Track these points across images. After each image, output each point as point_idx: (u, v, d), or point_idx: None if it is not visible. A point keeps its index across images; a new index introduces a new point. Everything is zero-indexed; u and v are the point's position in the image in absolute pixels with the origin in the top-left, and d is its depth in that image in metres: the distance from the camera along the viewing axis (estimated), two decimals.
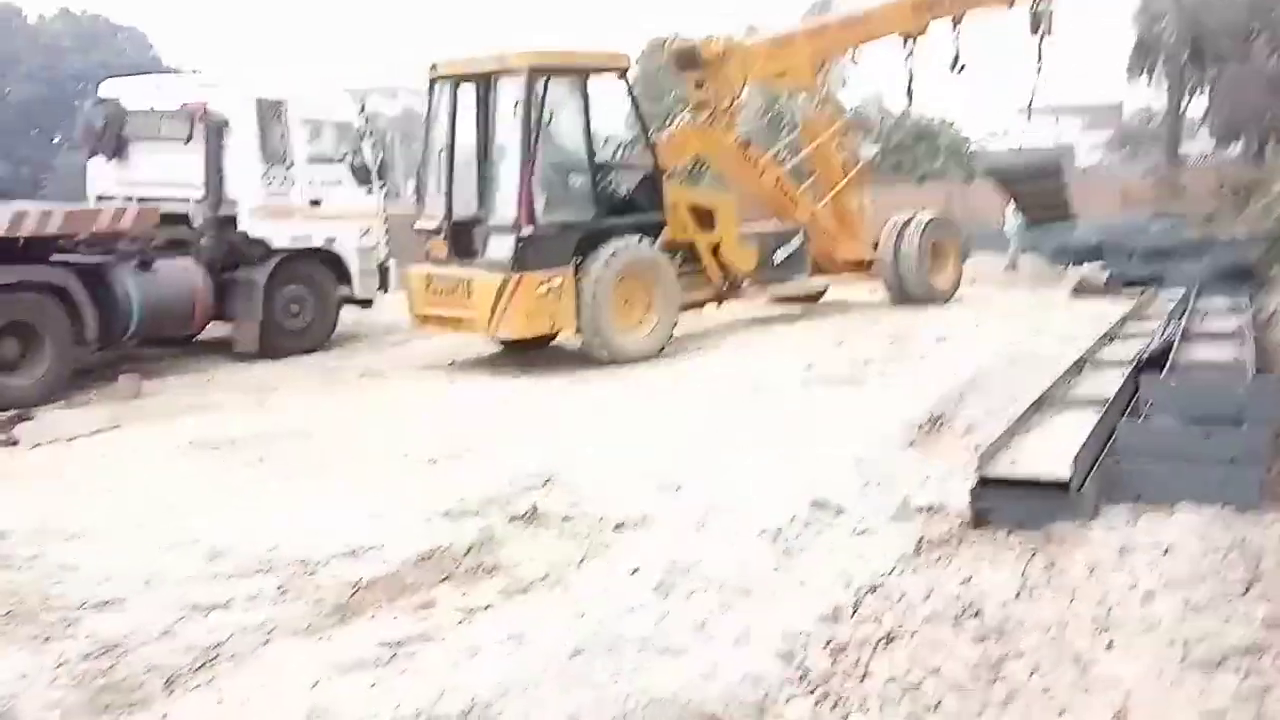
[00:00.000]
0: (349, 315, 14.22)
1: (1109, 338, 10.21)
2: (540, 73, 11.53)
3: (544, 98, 11.55)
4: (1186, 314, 10.78)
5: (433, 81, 12.47)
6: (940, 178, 36.23)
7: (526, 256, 11.34)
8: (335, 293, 13.44)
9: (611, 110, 14.12)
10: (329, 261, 13.37)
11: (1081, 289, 16.65)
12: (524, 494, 6.94)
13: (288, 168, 12.80)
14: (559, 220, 11.74)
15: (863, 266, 15.88)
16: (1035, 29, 16.71)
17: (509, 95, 11.73)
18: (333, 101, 14.17)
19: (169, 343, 12.74)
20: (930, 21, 15.60)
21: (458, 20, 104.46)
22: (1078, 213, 18.67)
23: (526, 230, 11.30)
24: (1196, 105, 44.48)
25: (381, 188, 14.22)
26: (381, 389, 11.13)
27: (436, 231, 12.27)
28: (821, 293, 16.02)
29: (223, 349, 12.84)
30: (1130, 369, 7.96)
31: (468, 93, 12.39)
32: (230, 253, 12.43)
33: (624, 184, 12.75)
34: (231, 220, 12.49)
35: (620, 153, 13.49)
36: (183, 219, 12.62)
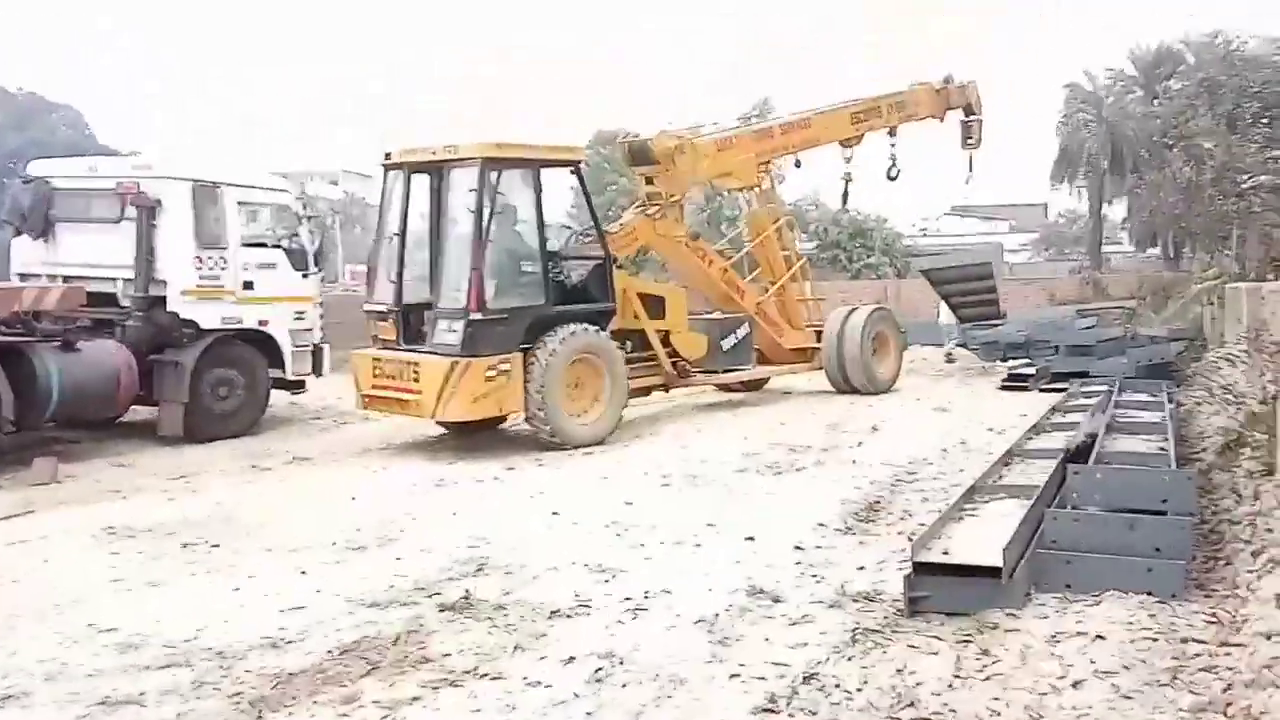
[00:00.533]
0: (280, 399, 14.03)
1: (1036, 429, 10.39)
2: (494, 164, 11.73)
3: (496, 187, 11.73)
4: (1110, 407, 11.01)
5: (386, 169, 12.67)
6: (875, 272, 37.04)
7: (475, 341, 11.44)
8: (266, 376, 13.27)
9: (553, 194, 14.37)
10: (261, 344, 13.21)
11: (1010, 382, 17.03)
12: (456, 581, 6.83)
13: (221, 250, 12.69)
14: (509, 306, 11.86)
15: (806, 356, 16.35)
16: (965, 142, 17.74)
17: (462, 184, 11.86)
18: (270, 185, 14.14)
19: (91, 425, 12.47)
20: (867, 132, 16.52)
21: (403, 108, 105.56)
22: (1006, 311, 19.32)
23: (475, 315, 11.40)
24: (1117, 209, 46.19)
25: (318, 272, 14.14)
26: (310, 474, 10.94)
27: (386, 315, 12.35)
28: (765, 380, 16.39)
29: (147, 432, 12.61)
30: (1058, 460, 8.08)
31: (420, 181, 12.58)
32: (158, 334, 12.25)
33: (575, 272, 13.01)
34: (161, 301, 12.32)
35: (571, 242, 13.72)
36: (110, 299, 12.48)
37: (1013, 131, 18.31)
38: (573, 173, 13.37)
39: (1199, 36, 39.37)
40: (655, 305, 13.79)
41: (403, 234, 12.42)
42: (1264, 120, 24.65)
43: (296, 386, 13.88)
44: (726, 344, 14.86)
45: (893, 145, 17.22)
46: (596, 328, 12.48)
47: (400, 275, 12.33)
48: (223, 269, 12.68)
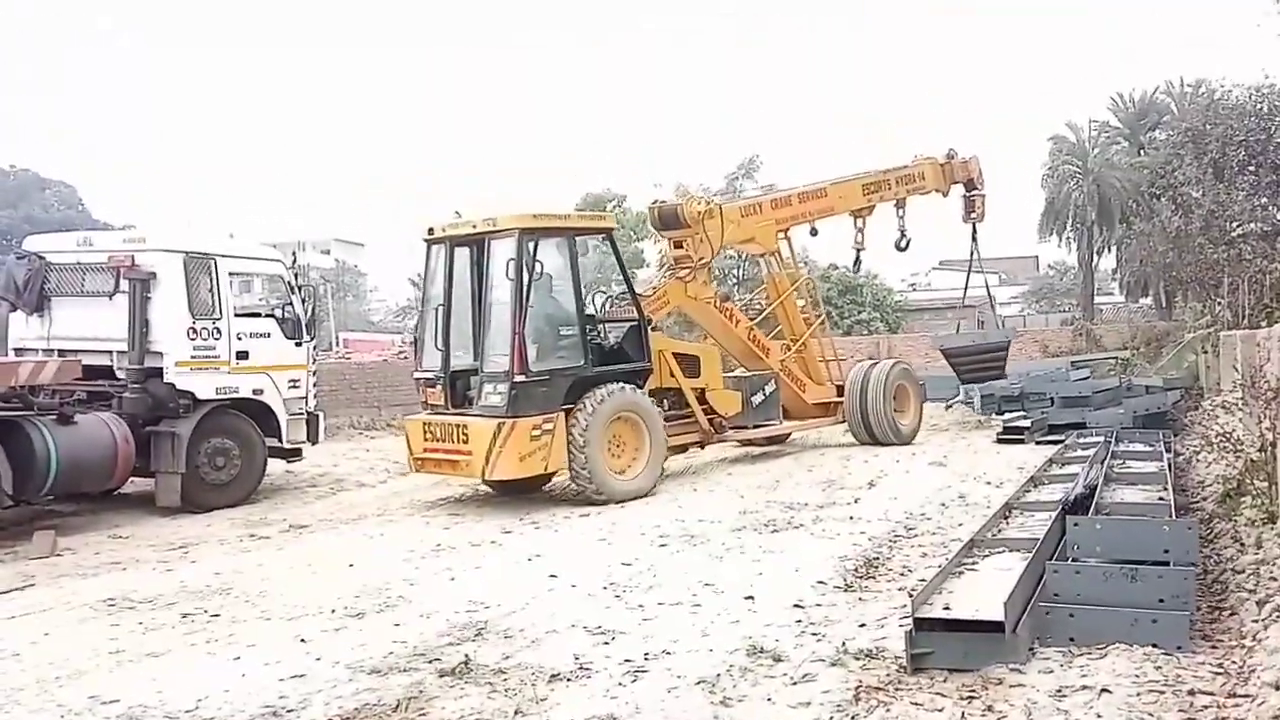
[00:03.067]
0: (277, 467, 14.00)
1: (1034, 482, 10.37)
2: (531, 234, 12.29)
3: (534, 256, 12.27)
4: (1108, 458, 11.01)
5: (429, 244, 13.17)
6: (866, 328, 37.21)
7: (520, 402, 11.93)
8: (262, 445, 13.25)
9: None
10: (256, 413, 13.21)
11: (1006, 435, 17.04)
12: (455, 647, 6.77)
13: (215, 321, 12.73)
14: (550, 368, 12.36)
15: (829, 410, 16.88)
16: (968, 215, 18.23)
17: (501, 254, 12.40)
18: (263, 255, 14.24)
19: (89, 497, 12.43)
20: (878, 203, 17.40)
21: (395, 180, 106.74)
22: (1006, 372, 19.44)
23: (519, 377, 11.90)
24: (1107, 260, 46.51)
25: (311, 340, 14.18)
26: (308, 542, 10.88)
27: (434, 381, 12.82)
28: (787, 435, 16.90)
29: (145, 503, 12.57)
30: (1057, 512, 8.06)
31: (461, 253, 13.07)
32: (154, 405, 12.26)
33: (611, 334, 13.67)
34: (156, 372, 12.33)
35: (607, 305, 14.27)
36: (106, 372, 12.51)
37: (1000, 184, 18.59)
38: (605, 240, 14.14)
39: (1182, 87, 39.96)
40: (690, 364, 14.37)
41: (447, 304, 12.90)
42: (1250, 168, 24.86)
43: (292, 455, 13.87)
44: (756, 400, 15.43)
45: (901, 217, 17.92)
46: (634, 386, 13.03)
47: (447, 343, 12.77)
48: (217, 339, 12.73)
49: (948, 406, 20.90)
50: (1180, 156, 28.19)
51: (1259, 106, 24.86)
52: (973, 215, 18.61)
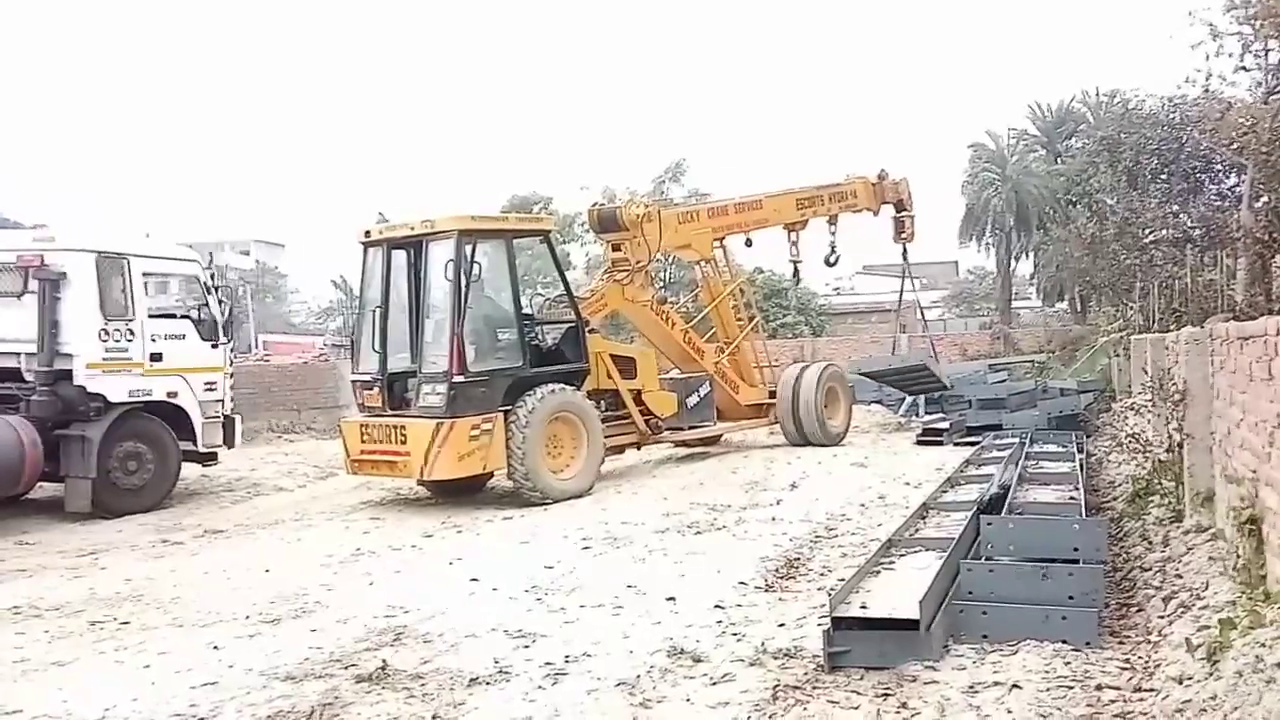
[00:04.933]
0: (192, 471, 13.71)
1: (951, 483, 10.53)
2: (469, 236, 12.37)
3: (472, 258, 12.35)
4: (1022, 459, 11.23)
5: (366, 246, 13.12)
6: (792, 331, 37.51)
7: (458, 402, 11.96)
8: (176, 448, 12.97)
9: None
10: (170, 416, 12.91)
11: (925, 437, 17.33)
12: (373, 652, 6.67)
13: (128, 321, 12.42)
14: (489, 368, 12.41)
15: (762, 412, 17.11)
16: (898, 236, 18.65)
17: (439, 256, 12.43)
18: (178, 255, 13.94)
19: None
20: (810, 218, 17.76)
21: (315, 180, 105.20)
22: (951, 384, 19.74)
23: (458, 378, 11.92)
24: (1024, 265, 47.48)
25: (228, 342, 13.91)
26: (222, 547, 10.65)
27: (371, 384, 12.75)
28: (720, 436, 17.06)
29: (54, 508, 12.25)
30: (972, 512, 8.20)
31: (398, 256, 13.06)
32: (64, 408, 11.93)
33: (549, 335, 13.71)
34: (66, 375, 12.00)
35: (544, 307, 14.49)
36: (14, 374, 12.14)
37: (922, 191, 18.96)
38: (542, 241, 14.35)
39: (1097, 96, 40.94)
40: (627, 366, 14.47)
41: (384, 306, 12.85)
42: (1162, 176, 25.58)
43: (208, 458, 13.60)
44: (691, 402, 15.62)
45: (832, 233, 18.24)
46: (572, 387, 13.07)
47: (384, 345, 12.72)
48: (130, 341, 12.43)
49: (902, 418, 21.18)
50: (1096, 165, 28.90)
51: (1171, 116, 25.57)
52: (903, 236, 19.11)
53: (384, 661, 6.41)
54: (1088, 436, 14.56)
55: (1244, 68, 19.63)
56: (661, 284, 35.24)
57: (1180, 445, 8.30)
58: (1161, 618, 6.13)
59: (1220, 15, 19.37)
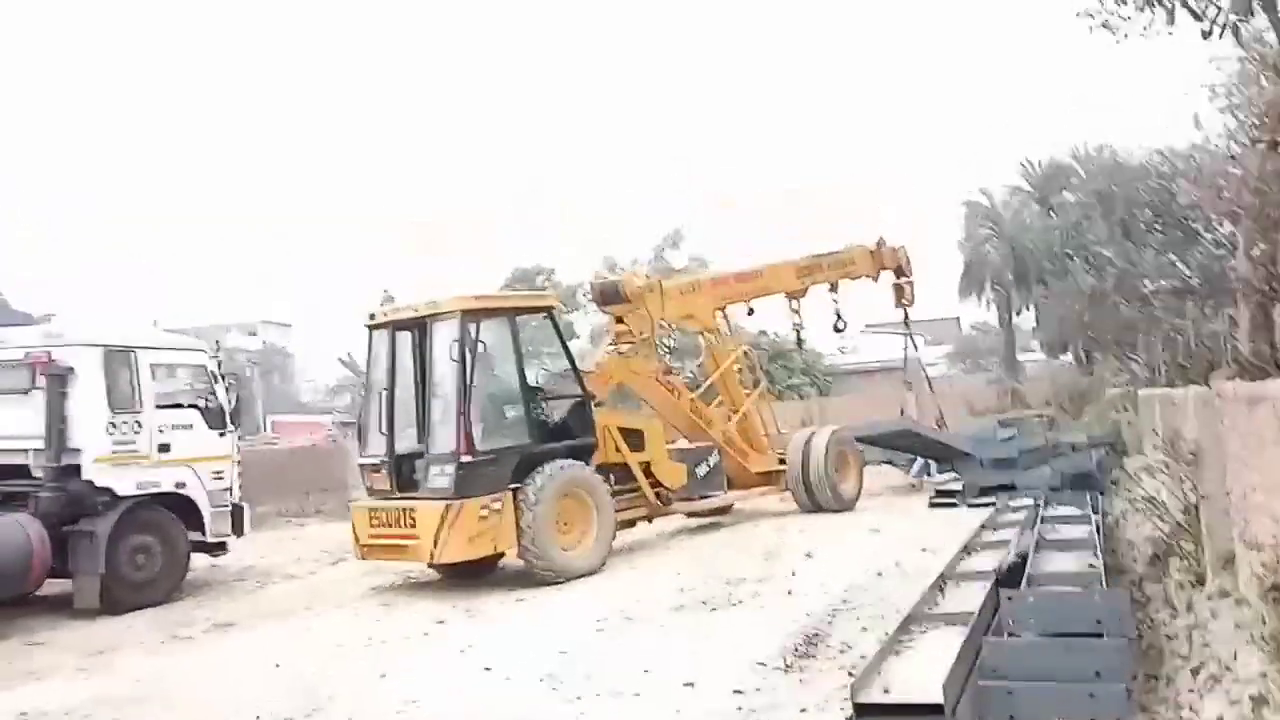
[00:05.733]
0: (201, 561, 13.61)
1: (968, 549, 10.40)
2: (473, 315, 12.41)
3: (477, 337, 12.35)
4: (1038, 523, 11.11)
5: (371, 329, 13.20)
6: (798, 392, 37.45)
7: (467, 482, 11.88)
8: (185, 540, 12.88)
9: None
10: (179, 507, 12.85)
11: (938, 499, 17.19)
12: None
13: (136, 414, 12.42)
14: (496, 447, 12.33)
15: (772, 479, 17.00)
16: (898, 301, 18.81)
17: (444, 336, 12.43)
18: (185, 345, 13.98)
19: (2, 602, 11.88)
20: (811, 285, 17.92)
21: (321, 259, 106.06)
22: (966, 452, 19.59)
23: (465, 457, 11.85)
24: (1026, 318, 47.51)
25: (235, 430, 13.90)
26: (232, 641, 10.55)
27: (379, 466, 12.66)
28: (730, 506, 16.89)
29: (62, 606, 12.11)
30: (990, 583, 8.08)
31: (403, 337, 13.13)
32: (71, 504, 11.88)
33: (556, 411, 13.59)
34: (74, 470, 11.96)
35: (550, 382, 14.56)
36: (22, 470, 12.11)
37: (919, 249, 19.17)
38: (546, 318, 14.25)
39: (1087, 151, 41.18)
40: (635, 438, 14.37)
41: (391, 388, 12.85)
42: (1157, 227, 25.70)
43: (217, 548, 13.49)
44: (700, 471, 15.50)
45: (835, 300, 18.45)
46: (581, 463, 12.99)
47: (391, 427, 12.67)
48: (137, 433, 12.42)
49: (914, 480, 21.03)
50: (1089, 218, 29.04)
51: (1160, 167, 25.75)
52: (903, 301, 19.32)
53: None
54: (1102, 494, 14.40)
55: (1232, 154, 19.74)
56: (667, 350, 35.36)
57: (1196, 507, 8.20)
58: (1192, 691, 6.00)
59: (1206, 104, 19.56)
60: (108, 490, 12.09)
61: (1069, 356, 42.28)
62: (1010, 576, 8.36)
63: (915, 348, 20.30)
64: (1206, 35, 10.10)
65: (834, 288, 18.23)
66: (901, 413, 20.80)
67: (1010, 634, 6.64)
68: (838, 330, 18.67)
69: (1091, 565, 8.69)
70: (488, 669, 8.49)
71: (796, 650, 8.33)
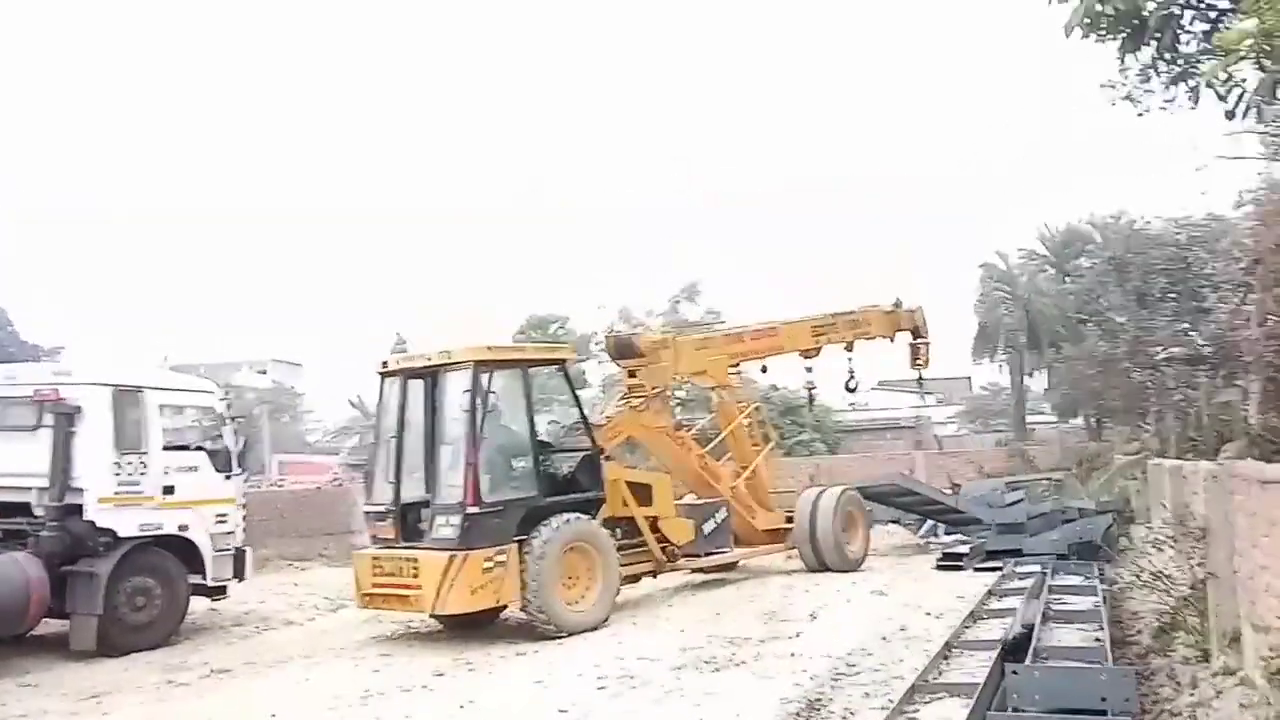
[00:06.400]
0: (200, 605, 13.53)
1: (973, 616, 10.32)
2: (485, 366, 12.42)
3: (488, 388, 12.35)
4: (1044, 592, 11.03)
5: (383, 376, 13.19)
6: (807, 448, 37.33)
7: (472, 534, 11.80)
8: (185, 583, 12.78)
9: None
10: (180, 549, 12.78)
11: (945, 562, 17.06)
12: None
13: (142, 455, 12.42)
14: (503, 499, 12.27)
15: (779, 537, 16.99)
16: (914, 363, 18.88)
17: (456, 386, 12.46)
18: (194, 386, 14.01)
19: None
20: (825, 345, 17.88)
21: (333, 298, 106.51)
22: (967, 513, 19.49)
23: (472, 509, 11.77)
24: (1038, 380, 47.44)
25: (241, 473, 13.88)
26: (229, 688, 10.45)
27: (384, 515, 12.62)
28: (736, 563, 16.84)
29: (58, 646, 11.98)
30: (995, 653, 8.01)
31: (414, 386, 13.08)
32: (72, 543, 11.82)
33: (565, 464, 13.58)
34: (77, 509, 11.94)
35: (560, 435, 14.43)
36: (24, 508, 12.07)
37: (934, 308, 19.20)
38: (559, 370, 14.28)
39: (1104, 217, 41.35)
40: (643, 493, 14.32)
41: (400, 437, 12.82)
42: (1171, 295, 25.79)
43: (217, 593, 13.38)
44: (708, 528, 15.42)
45: (850, 359, 18.47)
46: (588, 516, 12.96)
47: (399, 475, 12.65)
48: (143, 474, 12.39)
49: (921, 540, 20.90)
50: (1104, 284, 29.12)
51: (1177, 237, 25.87)
52: (918, 362, 19.33)
53: None
54: (1108, 563, 14.30)
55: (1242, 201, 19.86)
56: (678, 402, 35.37)
57: (1204, 582, 8.14)
58: None
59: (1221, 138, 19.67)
60: (109, 531, 12.03)
61: (1079, 421, 42.15)
62: (1016, 649, 8.29)
63: (928, 409, 20.34)
64: (1230, 116, 10.16)
65: (849, 347, 18.25)
66: (911, 472, 20.75)
67: (1015, 709, 6.56)
68: (850, 390, 18.67)
69: (1098, 639, 8.61)
70: None
71: (799, 716, 8.23)
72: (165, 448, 12.84)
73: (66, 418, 11.97)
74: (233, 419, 13.93)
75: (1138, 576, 11.41)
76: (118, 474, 12.20)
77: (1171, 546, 10.06)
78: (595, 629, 12.41)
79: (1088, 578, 12.27)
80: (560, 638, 12.01)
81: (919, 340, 19.09)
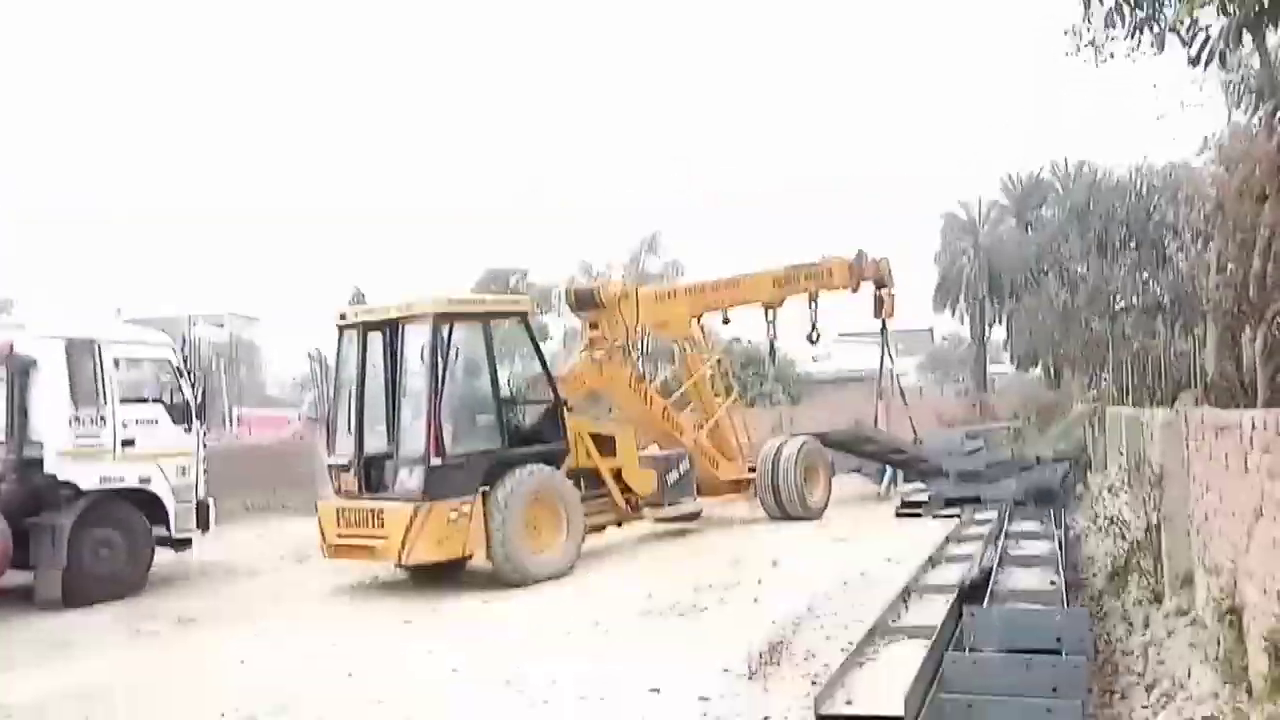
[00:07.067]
0: (165, 557, 13.50)
1: (932, 562, 10.51)
2: (446, 318, 12.37)
3: (449, 340, 12.28)
4: (1001, 538, 11.22)
5: (341, 329, 13.14)
6: (769, 400, 37.57)
7: (436, 485, 11.86)
8: (149, 535, 12.78)
9: None
10: (143, 502, 12.75)
11: (905, 509, 17.33)
12: None
13: (100, 408, 12.31)
14: (467, 450, 12.32)
15: (741, 487, 17.12)
16: (878, 312, 18.90)
17: (416, 339, 12.40)
18: (150, 339, 13.87)
19: None
20: (787, 297, 17.91)
21: (290, 251, 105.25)
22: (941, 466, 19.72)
23: (435, 460, 11.76)
24: (998, 331, 47.91)
25: (201, 425, 13.80)
26: (195, 638, 10.47)
27: (347, 467, 12.61)
28: (699, 513, 16.94)
29: (23, 599, 11.95)
30: (953, 596, 8.17)
31: (374, 338, 13.01)
32: (33, 497, 11.78)
33: (528, 416, 13.62)
34: (36, 463, 11.86)
35: (522, 387, 14.47)
36: None
37: (895, 260, 19.20)
38: (519, 322, 14.30)
39: (1067, 167, 41.58)
40: (606, 444, 14.37)
41: (360, 389, 12.80)
42: (1131, 245, 26.05)
43: (182, 544, 13.37)
44: (671, 479, 15.50)
45: (813, 310, 18.47)
46: (552, 467, 12.99)
47: (361, 428, 12.66)
48: (101, 427, 12.30)
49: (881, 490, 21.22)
50: (1066, 234, 29.36)
51: (1138, 186, 26.10)
52: (884, 313, 19.41)
53: None
54: (1065, 509, 14.58)
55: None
56: (640, 354, 35.44)
57: (1158, 527, 8.33)
58: (1145, 708, 6.10)
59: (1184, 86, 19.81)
60: (71, 484, 12.00)
61: (1038, 371, 42.65)
62: (974, 592, 8.45)
63: (892, 360, 20.43)
64: (1194, 62, 10.18)
65: (813, 299, 18.30)
66: (875, 423, 20.95)
67: (972, 649, 6.71)
68: (811, 342, 18.72)
69: (1053, 582, 8.80)
70: (454, 670, 8.49)
71: (761, 658, 8.36)
72: (123, 401, 12.74)
73: (22, 371, 11.87)
74: (190, 372, 13.83)
75: (1094, 522, 11.68)
76: (76, 427, 12.11)
77: (1127, 492, 10.29)
78: (560, 578, 12.51)
79: (1045, 524, 12.48)
80: (526, 587, 12.12)
81: (884, 290, 19.15)
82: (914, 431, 20.86)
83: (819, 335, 18.69)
